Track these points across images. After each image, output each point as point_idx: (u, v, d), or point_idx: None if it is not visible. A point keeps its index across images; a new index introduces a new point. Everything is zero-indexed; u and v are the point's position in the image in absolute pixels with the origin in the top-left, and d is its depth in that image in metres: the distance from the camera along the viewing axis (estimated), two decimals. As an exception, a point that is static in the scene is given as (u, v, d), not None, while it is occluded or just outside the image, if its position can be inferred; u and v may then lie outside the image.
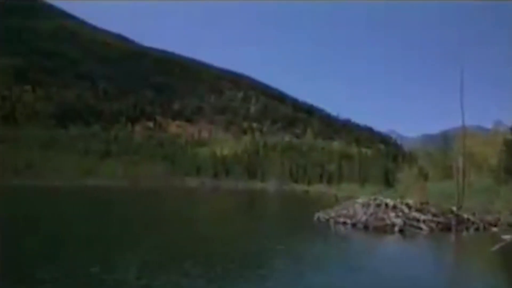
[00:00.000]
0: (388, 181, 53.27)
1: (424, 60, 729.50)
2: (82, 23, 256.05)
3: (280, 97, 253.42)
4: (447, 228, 19.24)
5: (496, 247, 13.63)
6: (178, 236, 15.93)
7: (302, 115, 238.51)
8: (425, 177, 70.07)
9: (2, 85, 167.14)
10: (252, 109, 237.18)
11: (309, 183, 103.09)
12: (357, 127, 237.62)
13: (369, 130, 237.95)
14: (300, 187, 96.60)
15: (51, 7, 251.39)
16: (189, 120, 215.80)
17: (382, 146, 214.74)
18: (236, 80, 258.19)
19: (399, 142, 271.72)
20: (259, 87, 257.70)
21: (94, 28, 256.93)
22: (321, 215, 21.93)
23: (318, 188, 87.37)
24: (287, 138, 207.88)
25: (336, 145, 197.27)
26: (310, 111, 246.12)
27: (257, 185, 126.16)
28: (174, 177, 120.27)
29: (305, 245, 14.24)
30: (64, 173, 76.61)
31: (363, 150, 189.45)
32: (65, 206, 32.37)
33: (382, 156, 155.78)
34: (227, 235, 17.11)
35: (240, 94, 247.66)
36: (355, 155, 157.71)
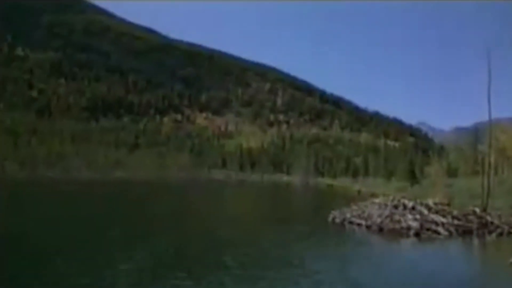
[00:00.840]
0: (414, 177, 51.76)
1: (457, 50, 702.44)
2: (112, 16, 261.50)
3: (308, 89, 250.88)
4: (467, 232, 18.55)
5: None
6: (189, 238, 16.15)
7: (329, 107, 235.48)
8: (454, 172, 67.97)
9: (39, 79, 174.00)
10: (279, 101, 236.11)
11: (334, 176, 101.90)
12: (386, 119, 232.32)
13: (399, 122, 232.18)
14: (325, 181, 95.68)
15: (82, 2, 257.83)
16: (216, 113, 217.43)
17: (411, 139, 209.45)
18: (263, 72, 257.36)
19: (429, 135, 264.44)
20: (286, 79, 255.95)
21: (123, 21, 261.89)
22: (337, 215, 21.65)
23: (343, 182, 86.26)
24: (314, 130, 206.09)
25: (363, 137, 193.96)
26: (337, 103, 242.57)
27: (283, 178, 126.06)
28: (200, 170, 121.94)
29: (310, 252, 14.05)
30: (95, 165, 79.15)
31: (391, 143, 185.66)
32: (95, 200, 33.44)
33: (410, 149, 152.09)
34: (238, 238, 17.20)
35: (267, 86, 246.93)
36: (386, 147, 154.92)
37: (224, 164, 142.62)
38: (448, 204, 24.47)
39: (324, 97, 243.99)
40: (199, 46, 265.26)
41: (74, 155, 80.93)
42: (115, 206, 28.40)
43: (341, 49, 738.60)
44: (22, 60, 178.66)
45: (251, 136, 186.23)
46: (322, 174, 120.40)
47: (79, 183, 54.22)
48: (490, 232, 18.84)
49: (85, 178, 63.63)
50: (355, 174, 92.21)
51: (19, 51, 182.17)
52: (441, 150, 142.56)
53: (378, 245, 16.10)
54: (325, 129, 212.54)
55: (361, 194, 50.81)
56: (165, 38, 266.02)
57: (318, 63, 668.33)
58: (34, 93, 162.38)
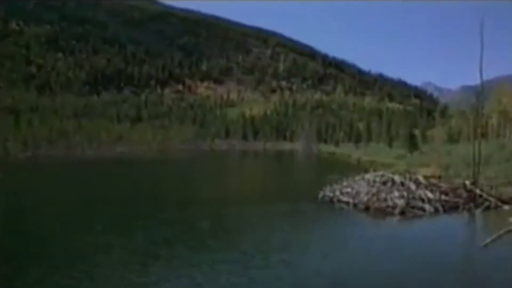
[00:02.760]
0: (414, 143, 51.45)
1: (462, 8, 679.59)
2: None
3: (310, 53, 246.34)
4: (454, 208, 18.58)
5: (492, 238, 12.79)
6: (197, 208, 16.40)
7: (332, 71, 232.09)
8: (456, 137, 67.39)
9: (36, 54, 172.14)
10: (281, 67, 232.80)
11: (336, 143, 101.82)
12: (390, 81, 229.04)
13: (403, 84, 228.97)
14: (327, 148, 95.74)
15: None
16: (217, 81, 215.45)
17: (416, 101, 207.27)
18: (264, 37, 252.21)
19: (435, 95, 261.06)
20: (288, 44, 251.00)
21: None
22: (327, 192, 21.71)
23: (345, 148, 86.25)
24: (317, 96, 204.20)
25: (367, 101, 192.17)
26: (340, 66, 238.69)
27: (286, 145, 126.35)
28: (203, 140, 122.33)
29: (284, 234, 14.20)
30: (97, 141, 79.57)
31: (396, 105, 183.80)
32: (98, 179, 33.81)
33: (414, 112, 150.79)
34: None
35: (268, 52, 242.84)
36: (388, 111, 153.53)
37: (227, 134, 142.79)
38: (439, 177, 24.47)
39: (326, 61, 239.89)
40: (197, 12, 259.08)
41: (76, 131, 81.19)
42: (117, 187, 28.75)
43: (342, 12, 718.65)
44: (18, 34, 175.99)
45: (254, 104, 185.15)
46: (325, 141, 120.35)
47: (82, 161, 54.77)
48: (476, 207, 18.85)
49: (89, 155, 64.17)
50: (357, 140, 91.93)
51: (14, 25, 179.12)
52: (445, 111, 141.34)
53: (358, 225, 16.21)
54: (328, 94, 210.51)
55: (360, 163, 50.87)
56: (161, 5, 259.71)
57: (319, 27, 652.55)
58: (33, 69, 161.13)
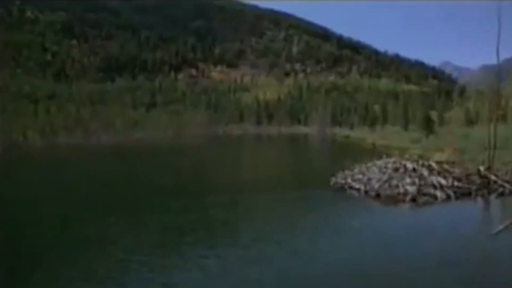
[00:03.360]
0: (431, 126, 50.61)
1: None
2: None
3: (324, 35, 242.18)
4: (467, 194, 18.36)
5: (504, 225, 12.61)
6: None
7: (347, 52, 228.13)
8: (475, 119, 65.93)
9: (52, 41, 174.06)
10: (295, 49, 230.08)
11: (351, 126, 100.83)
12: (407, 62, 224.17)
13: (420, 64, 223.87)
14: (342, 132, 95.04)
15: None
16: (231, 65, 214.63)
17: (434, 82, 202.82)
18: (277, 19, 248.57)
19: (454, 75, 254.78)
20: (301, 26, 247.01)
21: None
22: (338, 179, 21.68)
23: (360, 132, 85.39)
24: (331, 78, 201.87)
25: (383, 83, 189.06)
26: (356, 48, 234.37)
27: (300, 129, 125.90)
28: (217, 125, 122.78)
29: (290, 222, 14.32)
30: (113, 128, 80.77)
31: (412, 87, 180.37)
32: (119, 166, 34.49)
33: (432, 93, 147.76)
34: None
35: (282, 34, 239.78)
36: (404, 93, 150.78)
37: (241, 118, 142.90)
38: (453, 162, 24.11)
39: (341, 42, 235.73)
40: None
41: (92, 119, 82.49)
42: (134, 173, 29.35)
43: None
44: (33, 22, 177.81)
45: (268, 88, 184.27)
46: (340, 124, 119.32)
47: (100, 148, 55.78)
48: (490, 193, 18.60)
49: (105, 142, 65.26)
50: (372, 124, 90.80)
51: (29, 14, 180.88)
52: (463, 91, 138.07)
53: (367, 213, 16.21)
54: (343, 76, 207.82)
55: (374, 147, 50.45)
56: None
57: (333, 7, 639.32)
58: (49, 57, 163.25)
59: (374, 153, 39.26)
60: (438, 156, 29.45)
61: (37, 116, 69.94)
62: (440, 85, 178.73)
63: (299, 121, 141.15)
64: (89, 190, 22.02)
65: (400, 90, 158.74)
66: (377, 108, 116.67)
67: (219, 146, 61.72)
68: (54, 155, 45.92)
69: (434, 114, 77.96)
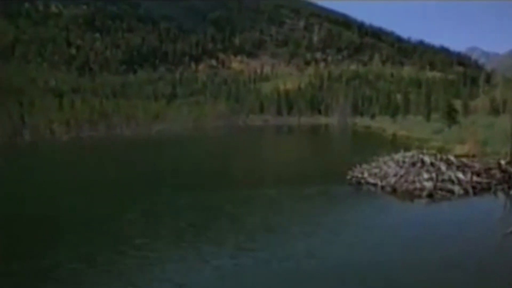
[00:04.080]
0: (453, 116, 49.40)
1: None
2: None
3: (345, 23, 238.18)
4: (486, 189, 18.08)
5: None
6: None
7: (369, 40, 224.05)
8: (502, 108, 64.11)
9: (75, 35, 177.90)
10: (315, 38, 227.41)
11: (373, 116, 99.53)
12: (431, 49, 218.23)
13: (445, 51, 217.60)
14: (363, 122, 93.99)
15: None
16: (251, 55, 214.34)
17: (460, 68, 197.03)
18: (297, 8, 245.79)
19: (481, 61, 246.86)
20: (322, 14, 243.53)
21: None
22: (355, 173, 21.66)
23: (381, 122, 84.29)
24: (353, 66, 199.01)
25: (406, 71, 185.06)
26: (378, 35, 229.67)
27: (321, 120, 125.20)
28: (237, 116, 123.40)
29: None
30: (134, 120, 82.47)
31: (437, 74, 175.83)
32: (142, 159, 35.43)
33: (457, 81, 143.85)
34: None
35: (302, 23, 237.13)
36: (427, 81, 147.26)
37: (261, 109, 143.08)
38: (473, 156, 23.71)
39: (363, 29, 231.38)
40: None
41: (115, 111, 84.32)
42: (151, 165, 30.13)
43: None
44: (57, 17, 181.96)
45: (288, 78, 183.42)
46: (361, 114, 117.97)
47: (123, 141, 57.13)
48: (510, 188, 18.26)
49: (127, 135, 66.74)
50: (394, 113, 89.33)
51: (53, 8, 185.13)
52: (490, 78, 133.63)
53: (382, 209, 16.23)
54: (365, 64, 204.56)
55: (395, 138, 49.83)
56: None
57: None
58: (73, 51, 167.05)
59: (394, 144, 38.85)
60: (459, 149, 28.93)
61: (62, 109, 72.03)
62: (466, 72, 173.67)
63: (319, 111, 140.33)
64: (125, 181, 22.80)
65: (423, 78, 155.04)
66: (399, 97, 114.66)
67: (238, 138, 62.19)
68: (82, 147, 47.41)
69: (458, 103, 76.16)
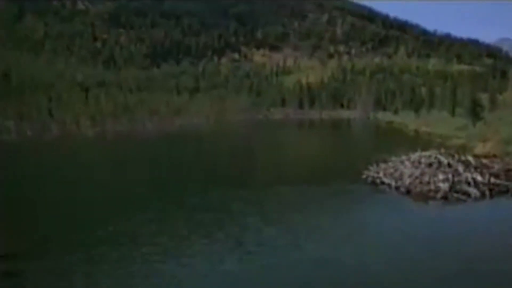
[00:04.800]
0: (478, 113, 48.11)
1: None
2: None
3: (369, 15, 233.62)
4: (503, 192, 17.79)
5: None
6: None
7: (394, 32, 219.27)
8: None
9: (101, 30, 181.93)
10: (339, 31, 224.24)
11: (396, 111, 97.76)
12: (459, 41, 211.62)
13: (474, 43, 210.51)
14: (386, 116, 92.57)
15: None
16: (273, 48, 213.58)
17: (489, 61, 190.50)
18: (320, 1, 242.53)
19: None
20: (345, 7, 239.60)
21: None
22: (371, 172, 21.68)
23: (404, 117, 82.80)
24: (377, 59, 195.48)
25: (432, 63, 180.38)
26: (403, 27, 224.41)
27: (343, 114, 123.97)
28: (259, 110, 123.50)
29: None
30: (157, 115, 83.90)
31: (465, 67, 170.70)
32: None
33: (486, 74, 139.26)
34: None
35: (325, 17, 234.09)
36: (453, 74, 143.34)
37: (283, 103, 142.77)
38: (494, 156, 23.28)
39: (387, 22, 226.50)
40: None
41: (138, 105, 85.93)
42: (168, 167, 30.91)
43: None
44: (84, 13, 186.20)
45: (310, 71, 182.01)
46: (384, 108, 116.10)
47: (146, 136, 58.42)
48: (529, 191, 17.91)
49: (150, 129, 68.11)
50: (418, 108, 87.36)
51: (80, 5, 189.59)
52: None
53: (392, 211, 16.23)
54: (389, 57, 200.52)
55: (417, 135, 49.11)
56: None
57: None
58: (99, 45, 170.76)
59: (415, 142, 38.35)
60: (480, 148, 28.38)
61: (88, 104, 74.03)
62: (495, 64, 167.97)
63: (342, 105, 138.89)
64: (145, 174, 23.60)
65: (451, 70, 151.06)
66: (424, 90, 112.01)
67: (259, 133, 62.55)
68: (111, 143, 48.90)
69: (485, 97, 73.97)
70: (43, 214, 15.33)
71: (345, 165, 27.34)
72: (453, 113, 65.64)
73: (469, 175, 18.55)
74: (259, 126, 79.56)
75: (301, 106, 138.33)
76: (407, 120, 71.39)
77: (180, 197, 18.39)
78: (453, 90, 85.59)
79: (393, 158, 23.30)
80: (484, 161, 20.88)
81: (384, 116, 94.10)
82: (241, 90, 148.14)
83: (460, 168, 19.28)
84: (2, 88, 64.18)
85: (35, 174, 24.95)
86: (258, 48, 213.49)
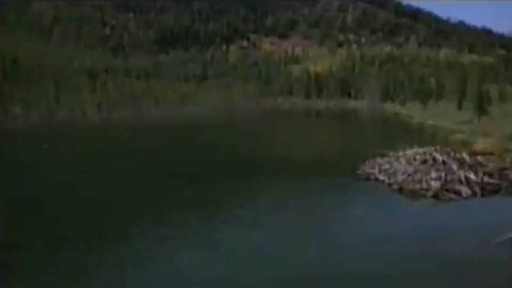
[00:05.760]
0: (483, 106, 47.41)
1: None
2: None
3: (381, 2, 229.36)
4: (495, 191, 17.79)
5: (509, 235, 11.50)
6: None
7: (405, 21, 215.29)
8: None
9: (110, 15, 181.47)
10: (349, 18, 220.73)
11: (403, 102, 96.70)
12: (472, 30, 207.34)
13: (487, 32, 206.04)
14: (393, 107, 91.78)
15: None
16: (282, 36, 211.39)
17: (503, 51, 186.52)
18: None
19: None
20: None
21: None
22: (367, 168, 21.82)
23: (411, 108, 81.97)
24: (387, 49, 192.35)
25: (443, 54, 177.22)
26: (415, 15, 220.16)
27: (350, 104, 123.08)
28: (266, 99, 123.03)
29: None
30: (164, 102, 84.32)
31: (475, 58, 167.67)
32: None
33: (496, 65, 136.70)
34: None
35: (336, 3, 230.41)
36: (465, 65, 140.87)
37: (290, 91, 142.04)
38: (491, 154, 23.20)
39: (399, 9, 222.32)
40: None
41: (145, 93, 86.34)
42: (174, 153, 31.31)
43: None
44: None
45: (319, 59, 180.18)
46: (392, 99, 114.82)
47: (151, 124, 58.88)
48: (520, 190, 17.90)
49: (156, 117, 68.52)
50: (426, 99, 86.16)
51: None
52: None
53: (378, 209, 16.31)
54: (400, 46, 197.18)
55: (421, 128, 48.79)
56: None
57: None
58: (107, 30, 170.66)
59: (418, 136, 38.21)
60: (479, 144, 28.18)
61: (95, 91, 74.64)
62: (508, 55, 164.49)
63: (349, 95, 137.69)
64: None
65: (460, 61, 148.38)
66: (433, 81, 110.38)
67: (264, 124, 62.64)
68: (116, 131, 49.45)
69: (495, 89, 72.94)
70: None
71: (342, 159, 27.44)
72: (460, 106, 64.79)
73: (462, 174, 18.60)
74: (266, 117, 79.15)
75: (308, 95, 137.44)
76: (414, 112, 70.74)
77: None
78: (462, 82, 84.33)
79: (391, 153, 23.44)
80: (480, 159, 20.86)
81: (391, 107, 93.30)
82: (248, 79, 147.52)
83: (454, 166, 19.32)
84: (11, 74, 64.98)
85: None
86: (267, 35, 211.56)
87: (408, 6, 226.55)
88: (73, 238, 12.07)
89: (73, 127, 49.71)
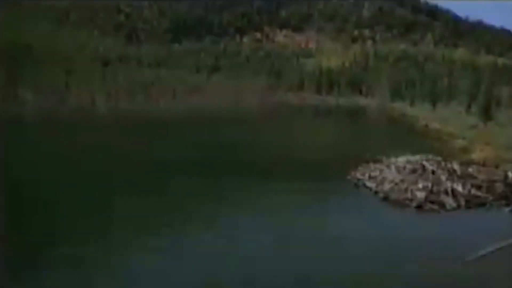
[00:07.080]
0: (489, 112, 46.62)
1: None
2: None
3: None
4: (481, 204, 17.74)
5: (480, 253, 11.53)
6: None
7: (423, 18, 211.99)
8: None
9: (125, 3, 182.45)
10: (365, 13, 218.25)
11: (412, 103, 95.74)
12: (490, 30, 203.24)
13: (506, 32, 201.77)
14: (401, 107, 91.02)
15: None
16: (296, 29, 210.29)
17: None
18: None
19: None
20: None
21: None
22: (357, 174, 21.88)
23: (420, 109, 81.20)
24: (402, 46, 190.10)
25: (459, 53, 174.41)
26: (433, 13, 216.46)
27: (360, 101, 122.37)
28: (275, 93, 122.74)
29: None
30: (172, 93, 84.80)
31: (491, 58, 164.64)
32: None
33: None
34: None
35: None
36: (479, 66, 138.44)
37: (301, 86, 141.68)
38: (483, 164, 23.09)
39: (417, 6, 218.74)
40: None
41: (155, 82, 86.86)
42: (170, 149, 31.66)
43: None
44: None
45: (332, 54, 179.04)
46: (402, 98, 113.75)
47: (155, 116, 59.27)
48: (508, 205, 17.83)
49: (163, 108, 69.00)
50: (435, 100, 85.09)
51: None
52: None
53: (356, 217, 16.32)
54: (415, 44, 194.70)
55: (426, 131, 48.35)
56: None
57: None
58: (122, 18, 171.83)
59: (420, 140, 38.08)
60: (477, 153, 28.00)
61: (105, 79, 75.41)
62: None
63: (360, 92, 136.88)
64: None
65: (476, 62, 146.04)
66: (446, 81, 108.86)
67: (267, 121, 62.65)
68: (120, 122, 50.05)
69: (505, 92, 71.73)
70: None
71: (336, 162, 27.31)
72: (468, 109, 63.85)
73: (449, 185, 18.57)
74: (274, 113, 78.36)
75: (319, 91, 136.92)
76: (422, 113, 69.96)
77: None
78: (475, 84, 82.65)
79: (384, 159, 23.50)
80: (471, 170, 20.78)
81: (400, 107, 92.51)
82: (260, 72, 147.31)
83: (443, 177, 19.28)
84: (24, 59, 65.92)
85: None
86: (281, 28, 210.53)
87: (426, 3, 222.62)
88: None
89: (78, 116, 50.40)
